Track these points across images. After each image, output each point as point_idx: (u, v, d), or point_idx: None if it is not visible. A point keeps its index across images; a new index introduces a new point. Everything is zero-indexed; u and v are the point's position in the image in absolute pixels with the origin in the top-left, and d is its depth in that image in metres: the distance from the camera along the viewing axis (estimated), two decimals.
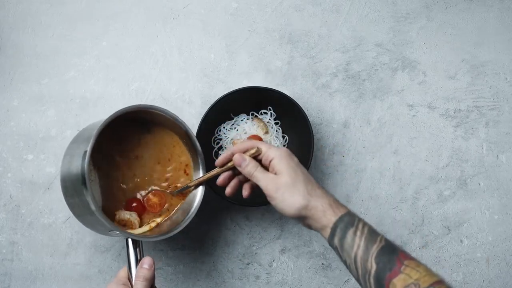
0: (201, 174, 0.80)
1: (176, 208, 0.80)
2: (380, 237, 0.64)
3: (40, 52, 0.91)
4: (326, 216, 0.66)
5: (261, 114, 0.90)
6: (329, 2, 0.94)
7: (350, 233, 0.64)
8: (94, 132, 0.69)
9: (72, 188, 0.72)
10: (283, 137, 0.90)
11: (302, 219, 0.68)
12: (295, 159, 0.70)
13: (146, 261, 0.68)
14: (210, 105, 0.85)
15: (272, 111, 0.90)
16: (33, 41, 0.91)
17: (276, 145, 0.88)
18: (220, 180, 0.74)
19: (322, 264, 0.91)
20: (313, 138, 0.85)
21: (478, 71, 0.95)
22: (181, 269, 0.90)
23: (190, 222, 0.77)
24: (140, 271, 0.68)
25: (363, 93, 0.93)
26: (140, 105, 0.76)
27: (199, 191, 0.79)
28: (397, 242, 0.92)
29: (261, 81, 0.93)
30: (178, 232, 0.76)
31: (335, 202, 0.68)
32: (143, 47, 0.92)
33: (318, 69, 0.93)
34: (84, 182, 0.67)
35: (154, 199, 0.79)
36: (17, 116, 0.90)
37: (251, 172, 0.70)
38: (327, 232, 0.66)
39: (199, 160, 0.80)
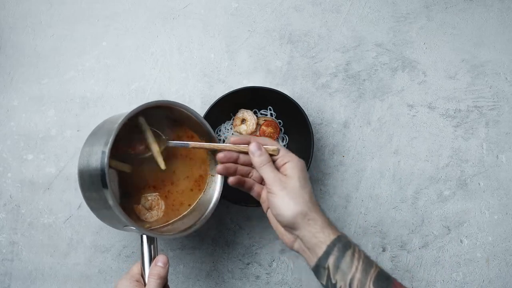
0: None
1: (188, 210, 0.80)
2: (375, 263, 0.63)
3: (40, 52, 0.91)
4: (324, 232, 0.63)
5: (261, 114, 0.90)
6: (329, 2, 0.94)
7: (348, 254, 0.62)
8: (115, 126, 0.68)
9: (90, 181, 0.71)
10: (283, 137, 0.90)
11: (292, 229, 0.65)
12: (307, 174, 0.68)
13: (161, 259, 0.68)
14: (210, 105, 0.85)
15: (272, 111, 0.90)
16: (33, 41, 0.91)
17: None
18: (221, 155, 0.71)
19: None
20: (313, 138, 0.85)
21: (478, 71, 0.95)
22: (181, 269, 0.90)
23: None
24: (155, 269, 0.67)
25: (363, 93, 0.93)
26: (162, 100, 0.75)
27: (216, 191, 0.79)
28: (397, 242, 0.92)
29: (261, 81, 0.93)
30: None
31: (332, 223, 0.66)
32: (143, 47, 0.92)
33: (318, 69, 0.93)
34: (103, 178, 0.66)
35: (269, 129, 0.85)
36: (17, 116, 0.90)
37: (264, 162, 0.68)
38: (321, 249, 0.63)
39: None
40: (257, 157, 0.68)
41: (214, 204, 0.78)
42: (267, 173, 0.67)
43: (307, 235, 0.64)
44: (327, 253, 0.63)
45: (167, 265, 0.68)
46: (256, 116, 0.89)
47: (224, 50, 0.93)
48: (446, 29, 0.95)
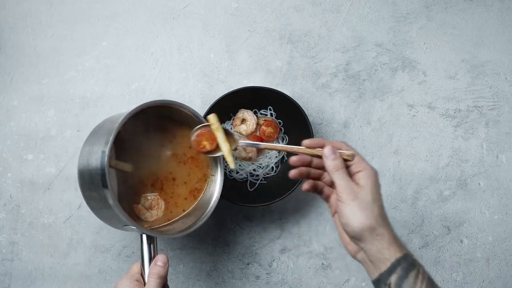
0: (218, 171, 0.80)
1: (188, 211, 0.80)
2: (438, 287, 0.61)
3: (40, 52, 0.91)
4: (391, 249, 0.61)
5: (261, 114, 0.90)
6: (329, 2, 0.94)
7: (412, 274, 0.60)
8: (115, 126, 0.68)
9: (90, 181, 0.71)
10: (283, 137, 0.90)
11: (358, 240, 0.63)
12: (380, 185, 0.66)
13: (160, 258, 0.68)
14: (210, 105, 0.85)
15: (272, 111, 0.90)
16: (33, 41, 0.91)
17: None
18: (295, 159, 0.68)
19: (322, 264, 0.91)
20: (313, 138, 0.85)
21: (478, 71, 0.95)
22: (181, 269, 0.90)
23: None
24: (154, 268, 0.67)
25: (363, 93, 0.93)
26: (163, 100, 0.75)
27: (216, 191, 0.79)
28: None
29: (261, 81, 0.93)
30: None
31: (399, 239, 0.63)
32: (143, 47, 0.92)
33: (318, 69, 0.93)
34: (104, 177, 0.66)
35: (269, 129, 0.84)
36: (17, 116, 0.90)
37: (337, 167, 0.65)
38: (385, 265, 0.61)
39: (218, 158, 0.80)
40: (331, 161, 0.65)
41: (214, 203, 0.78)
42: (340, 179, 0.64)
43: (373, 249, 0.62)
44: (390, 271, 0.61)
45: (166, 264, 0.68)
46: (256, 116, 0.89)
47: (224, 50, 0.93)
48: (446, 29, 0.95)
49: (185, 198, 0.80)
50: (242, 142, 0.74)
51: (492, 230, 0.93)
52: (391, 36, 0.95)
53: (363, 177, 0.64)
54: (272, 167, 0.89)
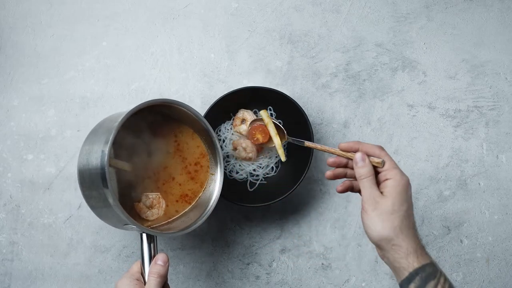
0: (218, 170, 0.80)
1: (187, 210, 0.80)
2: None
3: (40, 52, 0.91)
4: (408, 259, 0.62)
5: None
6: (329, 2, 0.94)
7: (431, 284, 0.61)
8: (115, 125, 0.67)
9: (90, 180, 0.71)
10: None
11: (380, 248, 0.65)
12: (410, 192, 0.66)
13: (161, 257, 0.68)
14: (210, 105, 0.85)
15: (272, 111, 0.90)
16: (33, 41, 0.91)
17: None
18: (331, 160, 0.71)
19: (322, 264, 0.91)
20: (313, 138, 0.85)
21: (478, 71, 0.95)
22: (181, 269, 0.90)
23: None
24: (154, 267, 0.67)
25: (363, 93, 0.93)
26: (162, 99, 0.75)
27: (216, 191, 0.79)
28: None
29: (261, 81, 0.93)
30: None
31: (422, 249, 0.64)
32: (143, 47, 0.92)
33: (318, 69, 0.93)
34: (104, 176, 0.66)
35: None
36: (17, 116, 0.90)
37: (363, 176, 0.66)
38: (403, 274, 0.63)
39: (217, 157, 0.80)
40: (359, 169, 0.67)
41: (214, 202, 0.78)
42: (364, 188, 0.66)
43: (391, 258, 0.64)
44: (408, 280, 0.62)
45: (167, 263, 0.68)
46: (256, 116, 0.89)
47: (224, 50, 0.93)
48: (446, 29, 0.95)
49: (185, 197, 0.80)
50: (290, 138, 0.82)
51: (492, 230, 0.93)
52: (391, 36, 0.95)
53: (389, 186, 0.65)
54: (272, 167, 0.89)
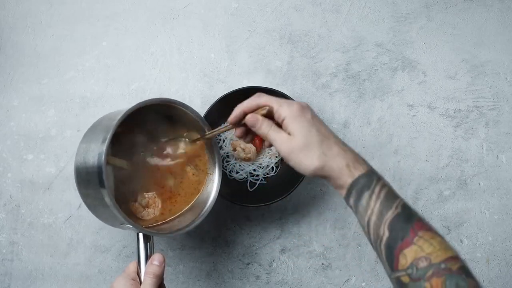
0: (216, 170, 0.80)
1: (185, 209, 0.80)
2: (397, 203, 0.61)
3: (40, 52, 0.91)
4: (342, 177, 0.63)
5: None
6: (329, 2, 0.94)
7: (365, 196, 0.62)
8: (113, 123, 0.67)
9: (87, 179, 0.70)
10: None
11: (325, 179, 0.66)
12: (308, 115, 0.66)
13: (157, 257, 0.68)
14: (210, 105, 0.85)
15: None
16: (33, 41, 0.91)
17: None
18: (238, 133, 0.71)
19: (322, 264, 0.91)
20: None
21: (478, 71, 0.95)
22: (181, 269, 0.90)
23: None
24: (150, 268, 0.67)
25: (363, 93, 0.93)
26: (162, 98, 0.75)
27: (214, 190, 0.79)
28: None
29: (261, 81, 0.93)
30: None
31: (354, 161, 0.64)
32: (143, 47, 0.92)
33: (318, 69, 0.93)
34: (100, 176, 0.65)
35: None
36: (17, 116, 0.90)
37: (265, 132, 0.66)
38: (343, 192, 0.64)
39: (216, 157, 0.80)
40: (258, 130, 0.67)
41: (211, 202, 0.78)
42: (273, 140, 0.66)
43: (331, 181, 0.65)
44: (347, 196, 0.64)
45: (163, 263, 0.67)
46: None
47: (224, 50, 0.93)
48: (446, 29, 0.95)
49: (182, 197, 0.80)
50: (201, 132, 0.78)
51: (492, 230, 0.93)
52: (391, 36, 0.95)
53: (289, 123, 0.65)
54: (272, 167, 0.89)
